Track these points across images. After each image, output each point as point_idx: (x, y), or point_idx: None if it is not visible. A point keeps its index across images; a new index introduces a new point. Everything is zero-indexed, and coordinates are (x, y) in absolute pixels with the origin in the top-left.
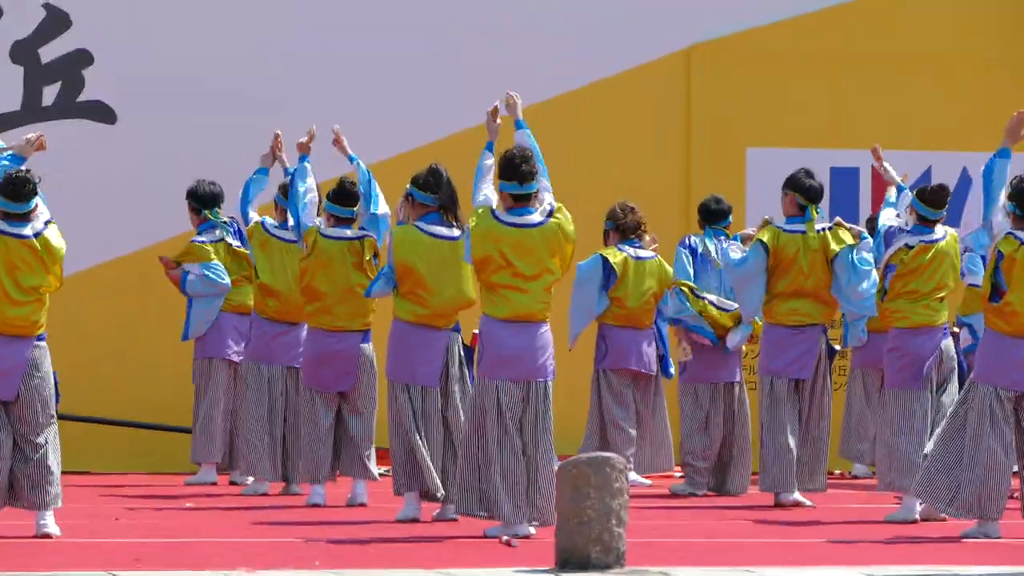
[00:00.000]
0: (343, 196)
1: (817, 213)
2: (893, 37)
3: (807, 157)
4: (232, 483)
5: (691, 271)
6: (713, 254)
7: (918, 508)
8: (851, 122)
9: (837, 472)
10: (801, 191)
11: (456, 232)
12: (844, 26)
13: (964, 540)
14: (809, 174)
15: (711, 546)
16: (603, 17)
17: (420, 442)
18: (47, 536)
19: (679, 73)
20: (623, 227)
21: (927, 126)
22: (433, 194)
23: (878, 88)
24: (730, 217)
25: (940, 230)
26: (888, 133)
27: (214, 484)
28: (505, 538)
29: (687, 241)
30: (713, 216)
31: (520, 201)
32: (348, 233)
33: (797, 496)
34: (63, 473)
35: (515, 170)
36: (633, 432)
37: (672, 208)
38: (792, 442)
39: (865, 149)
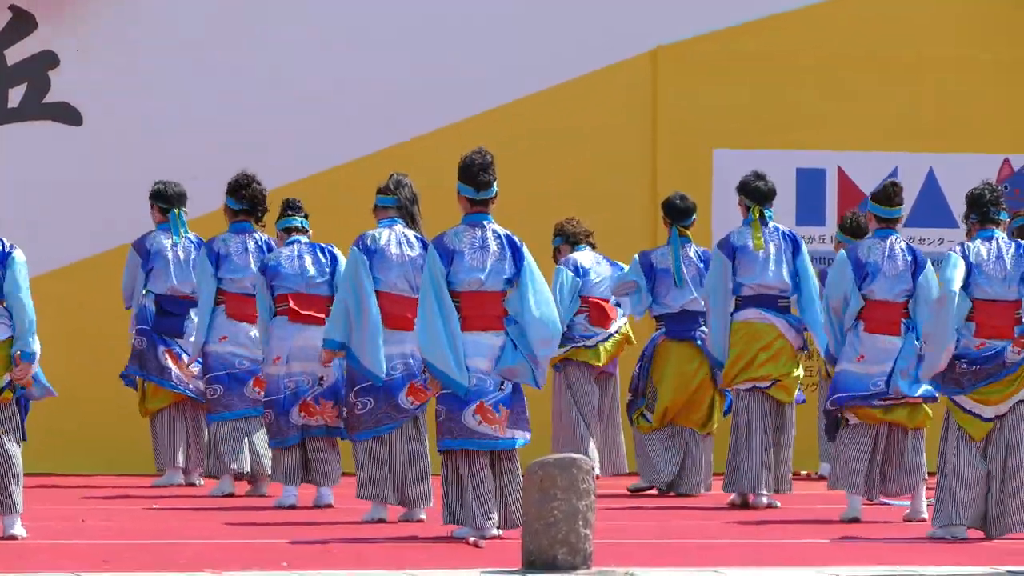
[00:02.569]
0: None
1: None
2: (859, 38)
3: (773, 158)
4: (190, 484)
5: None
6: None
7: (860, 506)
8: (817, 123)
9: (803, 472)
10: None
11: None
12: (810, 28)
13: (930, 540)
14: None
15: (677, 547)
16: (568, 19)
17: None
18: (13, 538)
19: (645, 75)
20: (572, 237)
21: (893, 127)
22: (392, 195)
23: (844, 89)
24: (695, 215)
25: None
26: (854, 134)
27: (180, 486)
28: (472, 539)
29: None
30: (681, 214)
31: (477, 205)
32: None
33: (767, 498)
34: (27, 475)
35: (472, 178)
36: (592, 430)
37: (638, 210)
38: (764, 443)
39: (831, 150)
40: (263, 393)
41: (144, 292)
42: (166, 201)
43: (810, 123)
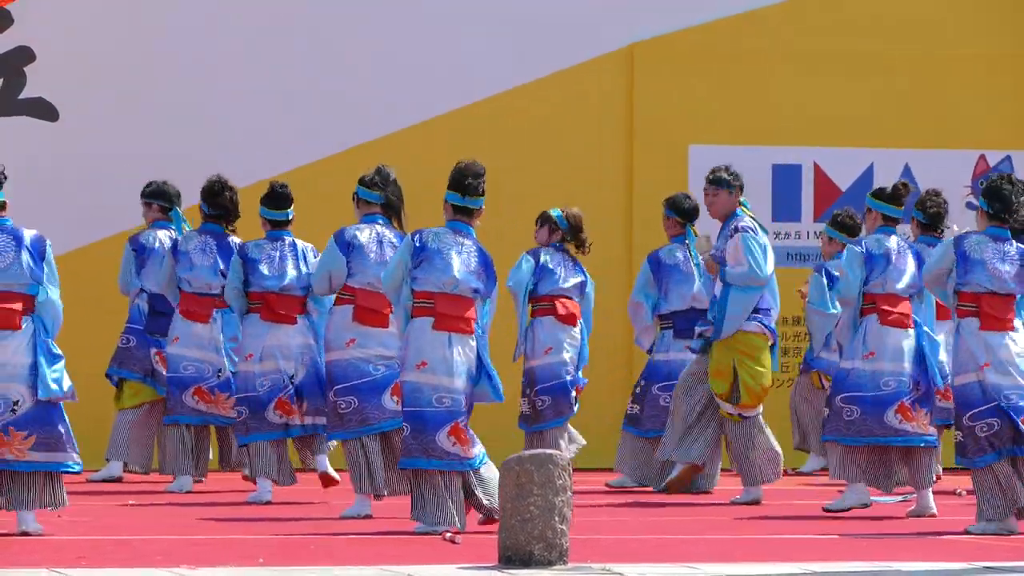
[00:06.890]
0: (276, 199)
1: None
2: (835, 35)
3: (749, 154)
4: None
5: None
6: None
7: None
8: (793, 119)
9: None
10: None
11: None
12: (786, 24)
13: (907, 536)
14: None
15: (654, 542)
16: (544, 15)
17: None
18: (26, 534)
19: (621, 71)
20: (577, 241)
21: (869, 123)
22: (380, 191)
23: (820, 85)
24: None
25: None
26: (830, 130)
27: (119, 480)
28: (448, 535)
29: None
30: (690, 214)
31: (459, 214)
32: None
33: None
34: None
35: (460, 183)
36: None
37: (614, 206)
38: (772, 438)
39: (807, 146)
40: (203, 403)
41: (138, 290)
42: (168, 200)
43: (786, 119)
